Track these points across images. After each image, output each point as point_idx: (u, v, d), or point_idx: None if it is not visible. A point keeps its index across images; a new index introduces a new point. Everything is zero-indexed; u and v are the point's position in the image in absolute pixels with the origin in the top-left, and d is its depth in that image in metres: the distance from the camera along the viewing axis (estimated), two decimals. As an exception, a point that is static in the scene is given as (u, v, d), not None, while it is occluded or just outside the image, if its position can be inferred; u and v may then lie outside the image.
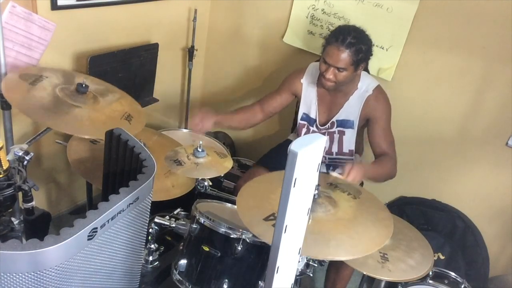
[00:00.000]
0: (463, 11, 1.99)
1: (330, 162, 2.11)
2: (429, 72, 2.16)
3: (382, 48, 2.21)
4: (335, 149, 2.05)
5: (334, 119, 2.01)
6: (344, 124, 2.00)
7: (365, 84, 1.94)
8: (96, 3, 2.05)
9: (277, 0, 2.48)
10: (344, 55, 1.75)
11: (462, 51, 2.05)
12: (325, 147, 2.02)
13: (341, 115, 1.99)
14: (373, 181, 1.88)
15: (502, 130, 2.06)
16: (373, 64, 2.13)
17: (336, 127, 2.01)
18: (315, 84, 2.01)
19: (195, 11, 2.56)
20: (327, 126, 2.03)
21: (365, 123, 2.00)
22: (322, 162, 2.13)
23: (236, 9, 2.65)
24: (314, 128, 2.06)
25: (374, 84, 1.94)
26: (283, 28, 2.50)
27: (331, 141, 2.04)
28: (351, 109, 1.96)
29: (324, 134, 2.04)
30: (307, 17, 2.39)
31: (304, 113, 2.06)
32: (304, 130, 2.08)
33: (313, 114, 2.04)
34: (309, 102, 2.04)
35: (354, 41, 1.75)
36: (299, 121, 2.07)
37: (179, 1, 2.54)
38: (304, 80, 2.04)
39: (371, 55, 1.85)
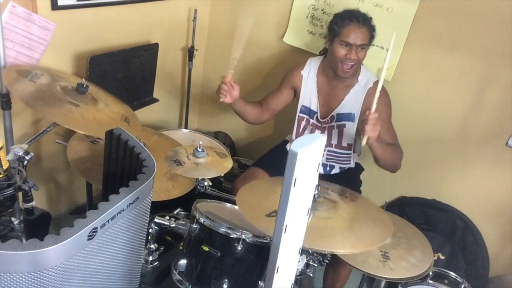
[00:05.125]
0: (463, 11, 1.99)
1: (329, 158, 2.11)
2: (429, 72, 2.16)
3: (382, 48, 2.21)
4: (334, 141, 2.07)
5: (334, 113, 2.02)
6: (344, 118, 2.01)
7: (366, 77, 1.99)
8: (96, 3, 2.05)
9: (277, 0, 2.48)
10: (364, 31, 1.84)
11: (462, 51, 2.05)
12: None
13: (341, 109, 2.01)
14: (378, 159, 1.84)
15: (502, 130, 2.05)
16: (373, 64, 2.13)
17: (336, 122, 2.03)
18: (316, 76, 2.03)
19: (195, 11, 2.56)
20: (326, 120, 2.04)
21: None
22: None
23: (236, 9, 2.65)
24: (314, 121, 2.06)
25: (374, 78, 1.99)
26: (283, 28, 2.49)
27: (330, 135, 2.06)
28: (352, 103, 1.99)
29: (323, 128, 2.05)
30: (307, 17, 2.39)
31: (303, 106, 2.07)
32: (303, 123, 2.09)
33: (313, 106, 2.05)
34: (309, 94, 2.05)
35: (368, 17, 1.87)
36: (298, 113, 2.07)
37: (179, 1, 2.54)
38: (304, 72, 2.05)
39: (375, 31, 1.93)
